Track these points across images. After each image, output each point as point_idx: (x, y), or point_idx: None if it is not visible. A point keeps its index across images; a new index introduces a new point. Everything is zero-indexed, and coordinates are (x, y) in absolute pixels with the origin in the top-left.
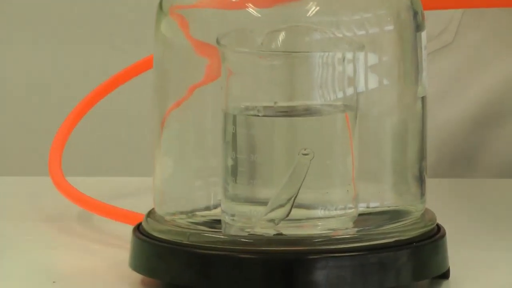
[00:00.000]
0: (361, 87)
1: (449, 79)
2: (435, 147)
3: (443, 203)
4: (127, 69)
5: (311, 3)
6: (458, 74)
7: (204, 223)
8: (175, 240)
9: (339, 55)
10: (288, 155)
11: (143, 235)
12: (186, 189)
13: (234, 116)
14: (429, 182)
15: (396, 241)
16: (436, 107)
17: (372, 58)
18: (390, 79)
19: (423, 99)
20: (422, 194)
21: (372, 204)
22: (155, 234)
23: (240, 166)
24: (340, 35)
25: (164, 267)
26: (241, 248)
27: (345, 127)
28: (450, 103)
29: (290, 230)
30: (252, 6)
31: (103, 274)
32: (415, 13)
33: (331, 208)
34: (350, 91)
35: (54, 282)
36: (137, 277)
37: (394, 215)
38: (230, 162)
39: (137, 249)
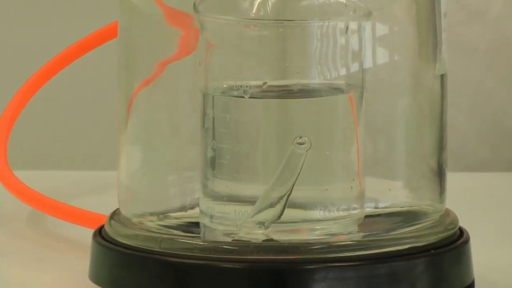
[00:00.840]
0: (367, 63)
1: None
2: None
3: (464, 201)
4: (84, 40)
5: None
6: None
7: (178, 227)
8: (144, 247)
9: (341, 24)
10: (280, 145)
11: (106, 240)
12: (157, 186)
13: (215, 98)
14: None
15: (410, 248)
16: None
17: (381, 28)
18: (402, 54)
19: (442, 77)
20: (442, 191)
21: (381, 204)
22: (120, 239)
23: (222, 158)
24: (343, 0)
25: (130, 279)
26: (223, 256)
27: (348, 110)
28: None
29: (282, 235)
30: None
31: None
32: None
33: (332, 208)
34: (354, 67)
35: None
36: None
37: (408, 217)
38: (210, 153)
39: (99, 258)
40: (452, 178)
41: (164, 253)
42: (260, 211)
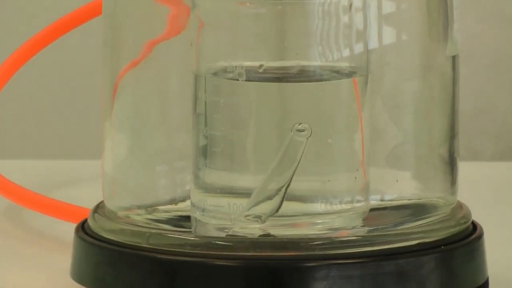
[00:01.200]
0: (373, 43)
1: None
2: None
3: (478, 193)
4: (66, 18)
5: None
6: None
7: (168, 221)
8: (131, 243)
9: (344, 1)
10: (278, 132)
11: (89, 236)
12: (145, 176)
13: (207, 81)
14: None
15: (419, 244)
16: None
17: (388, 6)
18: (410, 33)
19: (454, 58)
20: (453, 182)
21: (387, 196)
22: (105, 234)
23: (215, 146)
24: None
25: (116, 278)
26: (216, 253)
27: (352, 95)
28: None
29: (280, 230)
30: None
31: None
32: None
33: (334, 201)
34: (358, 48)
35: None
36: None
37: (417, 210)
38: (202, 141)
39: (82, 255)
40: (463, 168)
41: (153, 249)
42: (256, 203)
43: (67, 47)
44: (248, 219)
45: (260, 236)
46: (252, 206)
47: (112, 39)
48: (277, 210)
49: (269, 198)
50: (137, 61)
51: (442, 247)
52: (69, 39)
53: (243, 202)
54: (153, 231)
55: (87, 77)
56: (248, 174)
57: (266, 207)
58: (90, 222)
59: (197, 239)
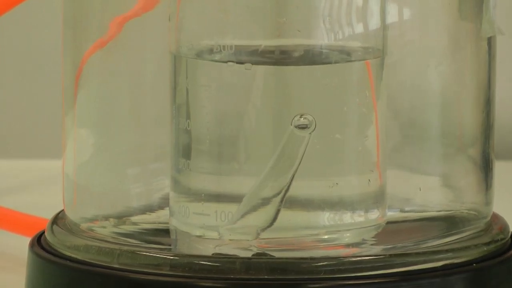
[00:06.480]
0: (391, 18)
1: None
2: None
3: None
4: None
5: None
6: None
7: (142, 235)
8: (97, 262)
9: None
10: (275, 125)
11: (47, 252)
12: (114, 181)
13: (190, 63)
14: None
15: (446, 265)
16: None
17: None
18: (436, 8)
19: (490, 41)
20: (488, 190)
21: (408, 207)
22: (65, 251)
23: (199, 144)
24: None
25: None
26: (200, 275)
27: (365, 81)
28: None
29: (277, 248)
30: None
31: None
32: None
33: (344, 211)
34: (373, 24)
35: None
36: None
37: (443, 224)
38: (183, 138)
39: (38, 275)
40: (499, 169)
41: (124, 270)
42: (245, 213)
43: (18, 25)
44: (239, 233)
45: (253, 255)
46: (241, 217)
47: (73, 15)
48: (273, 222)
49: (264, 206)
50: (105, 42)
51: (474, 265)
52: (19, 17)
53: (232, 209)
54: (124, 248)
55: (45, 63)
56: (239, 176)
57: (258, 218)
58: (48, 235)
59: (177, 258)
